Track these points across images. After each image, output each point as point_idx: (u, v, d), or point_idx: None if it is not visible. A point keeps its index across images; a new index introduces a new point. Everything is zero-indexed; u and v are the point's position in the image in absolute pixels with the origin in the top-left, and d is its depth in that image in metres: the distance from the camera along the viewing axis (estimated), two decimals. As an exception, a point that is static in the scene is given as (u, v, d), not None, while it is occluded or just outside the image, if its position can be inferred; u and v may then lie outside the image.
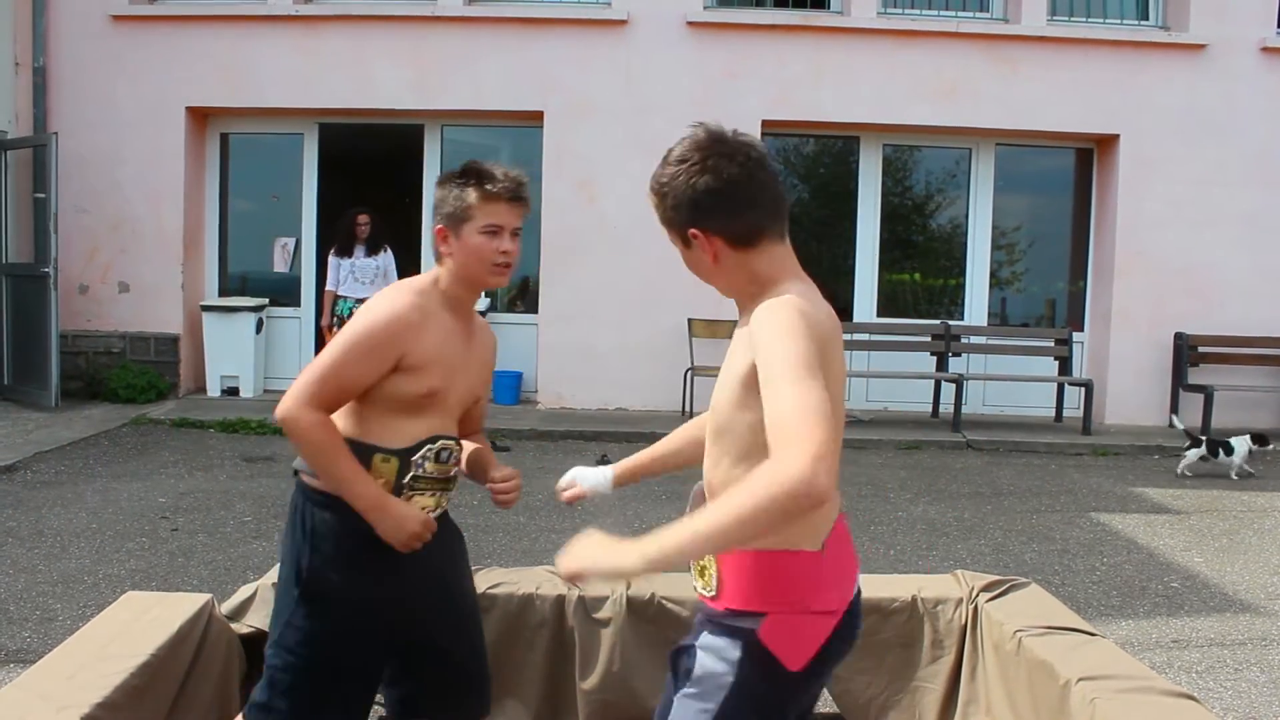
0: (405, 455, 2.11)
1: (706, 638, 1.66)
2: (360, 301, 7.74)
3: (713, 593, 1.65)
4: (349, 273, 8.13)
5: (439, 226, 2.18)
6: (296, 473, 2.20)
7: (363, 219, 8.15)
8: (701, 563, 1.66)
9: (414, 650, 2.23)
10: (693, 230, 1.66)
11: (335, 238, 8.30)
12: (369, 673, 2.17)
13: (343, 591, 2.09)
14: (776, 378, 1.45)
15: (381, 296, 2.15)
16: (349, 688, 2.13)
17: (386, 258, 8.21)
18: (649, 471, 2.15)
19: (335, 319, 8.09)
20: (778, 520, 1.32)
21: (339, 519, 2.09)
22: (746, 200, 1.65)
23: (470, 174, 2.16)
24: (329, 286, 8.24)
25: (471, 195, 2.12)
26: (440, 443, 2.17)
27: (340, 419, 2.11)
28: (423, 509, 2.15)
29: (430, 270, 2.24)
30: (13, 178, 8.80)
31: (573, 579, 1.53)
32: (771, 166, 1.69)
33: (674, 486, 1.60)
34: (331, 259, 8.23)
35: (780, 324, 1.55)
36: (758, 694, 1.62)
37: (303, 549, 2.11)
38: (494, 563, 4.22)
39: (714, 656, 1.63)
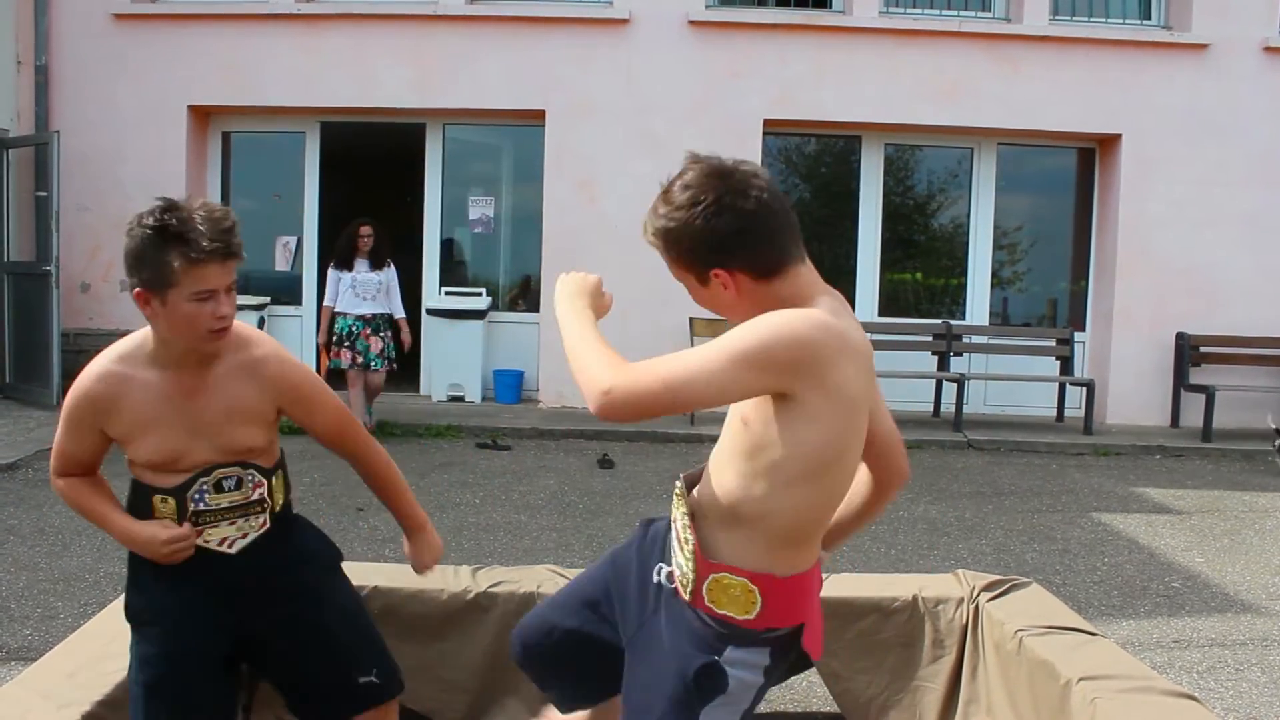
0: (180, 493, 2.01)
1: (733, 653, 1.68)
2: (361, 318, 7.39)
3: (753, 616, 1.68)
4: (349, 287, 7.42)
5: (137, 290, 1.87)
6: None
7: (365, 230, 7.46)
8: (734, 593, 1.68)
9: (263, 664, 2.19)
10: (715, 270, 1.65)
11: (335, 250, 7.63)
12: (202, 694, 2.07)
13: (149, 622, 2.07)
14: (708, 344, 1.58)
15: (87, 368, 2.01)
16: (194, 709, 2.06)
17: (390, 273, 7.53)
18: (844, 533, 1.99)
19: (335, 338, 7.42)
20: (578, 380, 1.61)
21: (130, 559, 2.13)
22: (769, 233, 1.65)
23: (169, 232, 1.81)
24: (326, 302, 7.57)
25: (174, 260, 1.81)
26: (216, 473, 2.02)
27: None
28: (223, 540, 2.04)
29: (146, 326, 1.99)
30: (14, 176, 8.80)
31: None
32: (780, 192, 1.69)
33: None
34: (331, 273, 7.54)
35: (771, 319, 1.58)
36: (769, 685, 1.76)
37: (128, 580, 2.15)
38: (495, 561, 4.22)
39: (746, 669, 1.70)
